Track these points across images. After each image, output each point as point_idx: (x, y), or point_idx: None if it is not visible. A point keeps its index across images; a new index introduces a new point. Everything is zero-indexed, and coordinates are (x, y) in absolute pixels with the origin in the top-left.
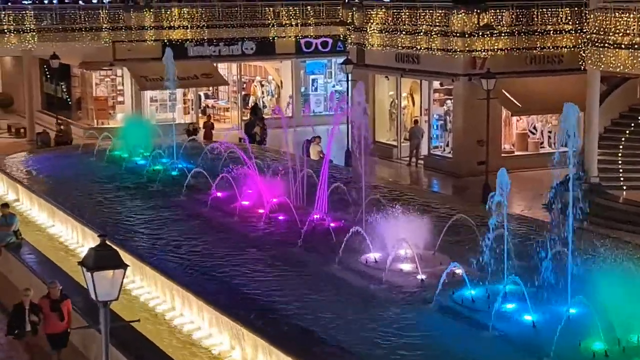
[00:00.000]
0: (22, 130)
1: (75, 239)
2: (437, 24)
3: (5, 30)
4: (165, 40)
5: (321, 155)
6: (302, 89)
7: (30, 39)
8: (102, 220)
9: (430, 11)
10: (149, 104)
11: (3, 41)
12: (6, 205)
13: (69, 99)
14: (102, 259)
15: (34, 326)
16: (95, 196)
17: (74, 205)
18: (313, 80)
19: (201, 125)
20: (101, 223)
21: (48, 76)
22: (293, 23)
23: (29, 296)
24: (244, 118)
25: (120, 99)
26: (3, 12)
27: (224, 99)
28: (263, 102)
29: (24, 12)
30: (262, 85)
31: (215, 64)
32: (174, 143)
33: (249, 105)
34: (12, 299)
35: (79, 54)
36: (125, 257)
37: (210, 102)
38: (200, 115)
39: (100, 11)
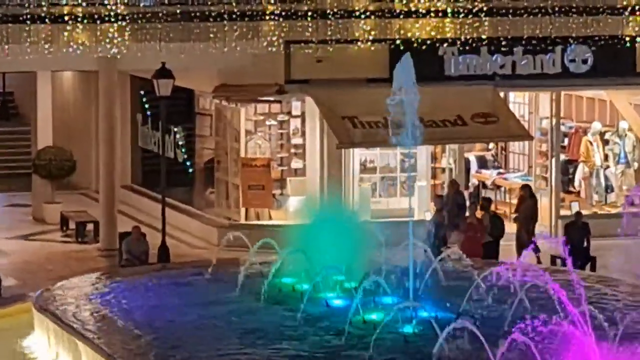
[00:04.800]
0: (89, 227)
1: None
2: None
3: (66, 18)
4: (397, 41)
5: None
6: None
7: (116, 35)
8: None
9: None
10: (357, 175)
11: (61, 40)
12: None
13: (189, 163)
14: None
15: None
16: None
17: None
18: None
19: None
20: None
21: (148, 114)
22: None
23: None
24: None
25: (296, 163)
26: None
27: (521, 170)
28: (605, 175)
29: None
30: (604, 142)
31: (502, 94)
32: (410, 263)
33: (576, 183)
34: None
35: (212, 68)
36: None
37: (488, 174)
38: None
39: None
